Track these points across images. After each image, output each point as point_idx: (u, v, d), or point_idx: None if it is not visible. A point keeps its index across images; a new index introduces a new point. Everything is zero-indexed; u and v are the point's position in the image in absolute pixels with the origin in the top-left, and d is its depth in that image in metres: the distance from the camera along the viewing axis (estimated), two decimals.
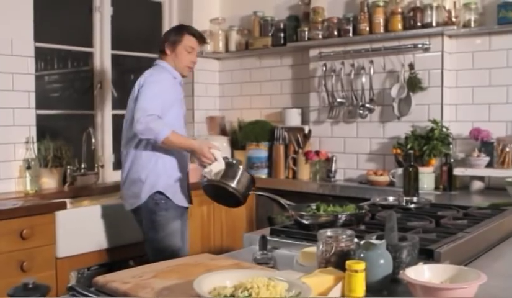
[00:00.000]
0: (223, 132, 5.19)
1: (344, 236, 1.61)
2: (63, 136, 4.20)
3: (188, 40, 3.36)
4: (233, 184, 2.85)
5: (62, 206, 3.45)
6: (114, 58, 4.74)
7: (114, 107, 4.74)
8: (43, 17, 4.17)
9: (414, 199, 2.74)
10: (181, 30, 3.43)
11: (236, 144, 4.96)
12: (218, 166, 2.97)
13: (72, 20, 4.57)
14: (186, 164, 3.40)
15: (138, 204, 3.24)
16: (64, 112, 4.51)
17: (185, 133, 3.39)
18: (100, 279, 1.59)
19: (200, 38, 3.45)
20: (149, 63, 5.09)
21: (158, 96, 3.13)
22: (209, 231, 4.30)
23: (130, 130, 3.22)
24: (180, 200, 3.30)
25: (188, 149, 3.19)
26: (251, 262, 1.80)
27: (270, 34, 4.81)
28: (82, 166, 4.25)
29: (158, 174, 3.20)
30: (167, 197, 3.21)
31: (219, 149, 3.13)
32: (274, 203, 3.81)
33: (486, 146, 3.83)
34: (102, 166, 4.44)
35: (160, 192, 3.21)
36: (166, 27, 5.20)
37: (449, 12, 3.92)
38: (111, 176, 4.62)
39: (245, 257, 1.88)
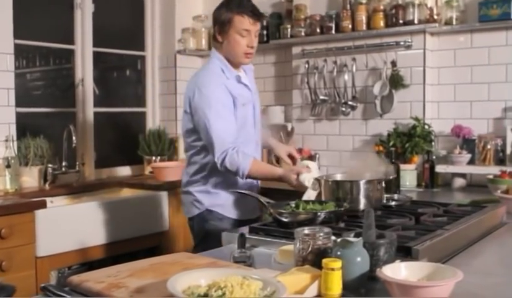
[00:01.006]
0: None
1: (321, 234, 1.60)
2: (44, 134, 4.15)
3: (242, 21, 2.73)
4: None
5: (43, 205, 3.42)
6: (96, 55, 4.71)
7: (96, 105, 4.70)
8: (23, 14, 4.13)
9: (395, 196, 2.74)
10: (229, 8, 2.76)
11: None
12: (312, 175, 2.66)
13: (53, 17, 4.53)
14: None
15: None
16: (45, 109, 4.47)
17: (254, 131, 2.92)
18: (75, 279, 1.57)
19: (254, 14, 2.75)
20: (131, 60, 5.13)
21: (221, 118, 2.70)
22: None
23: (185, 140, 2.94)
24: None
25: (274, 179, 2.75)
26: (230, 261, 1.78)
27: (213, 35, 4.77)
28: (63, 164, 4.21)
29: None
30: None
31: (309, 170, 2.67)
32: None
33: (468, 144, 3.84)
34: (83, 164, 4.40)
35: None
36: (148, 24, 5.19)
37: (431, 9, 3.93)
38: (92, 174, 4.59)
39: (224, 256, 1.87)
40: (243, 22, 2.71)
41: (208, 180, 2.85)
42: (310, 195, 2.53)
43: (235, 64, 2.84)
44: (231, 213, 2.85)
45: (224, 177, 2.80)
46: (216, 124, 2.68)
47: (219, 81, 2.76)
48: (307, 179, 2.58)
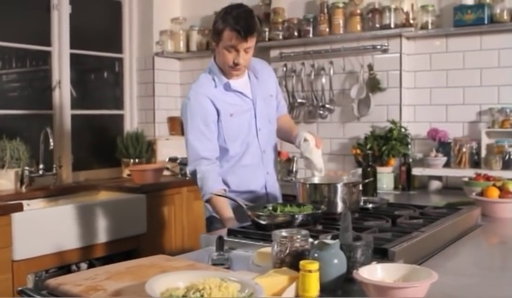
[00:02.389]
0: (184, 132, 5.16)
1: (298, 236, 1.61)
2: (21, 136, 4.11)
3: (228, 37, 2.59)
4: None
5: (19, 208, 3.38)
6: (73, 57, 4.68)
7: (73, 107, 4.68)
8: None
9: (372, 199, 2.77)
10: (224, 20, 2.60)
11: None
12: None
13: (30, 19, 4.49)
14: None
15: None
16: (22, 112, 4.43)
17: (257, 140, 2.81)
18: (52, 282, 1.56)
19: (243, 34, 2.57)
20: (108, 62, 5.11)
21: (197, 133, 2.69)
22: (169, 232, 4.27)
23: None
24: None
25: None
26: (208, 263, 1.79)
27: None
28: (40, 166, 4.17)
29: None
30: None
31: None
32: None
33: (444, 147, 3.90)
34: (61, 167, 4.37)
35: None
36: (126, 26, 5.17)
37: (407, 14, 3.97)
38: (69, 176, 4.56)
39: (202, 258, 1.87)
40: (231, 38, 2.58)
41: None
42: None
43: (228, 75, 2.76)
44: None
45: (226, 181, 2.78)
46: (192, 138, 2.69)
47: (202, 92, 2.71)
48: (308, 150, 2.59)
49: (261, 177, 2.84)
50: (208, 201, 2.67)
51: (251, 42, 2.62)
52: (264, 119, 2.83)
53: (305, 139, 2.62)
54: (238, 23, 2.56)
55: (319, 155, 2.60)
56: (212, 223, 2.85)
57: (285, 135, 2.98)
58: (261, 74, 2.87)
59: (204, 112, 2.69)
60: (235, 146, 2.76)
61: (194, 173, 2.70)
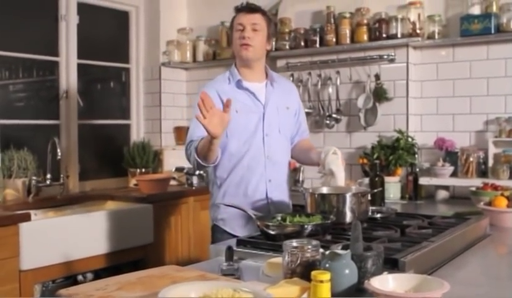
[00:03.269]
0: None
1: (309, 247, 1.61)
2: (28, 146, 4.12)
3: (236, 19, 2.83)
4: None
5: (27, 217, 3.39)
6: (80, 67, 4.70)
7: (80, 117, 4.69)
8: (7, 25, 4.12)
9: (380, 209, 2.77)
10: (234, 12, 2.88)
11: None
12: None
13: (38, 29, 4.51)
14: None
15: None
16: (29, 121, 4.45)
17: (262, 145, 2.81)
18: (63, 292, 1.56)
19: (245, 8, 2.83)
20: (115, 72, 5.13)
21: (193, 121, 2.71)
22: (176, 241, 4.27)
23: None
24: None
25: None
26: (218, 274, 1.79)
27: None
28: (47, 176, 4.18)
29: None
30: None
31: None
32: None
33: (451, 156, 3.89)
34: (68, 177, 4.38)
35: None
36: (133, 36, 5.19)
37: (414, 23, 3.98)
38: (76, 186, 4.57)
39: (211, 269, 1.87)
40: (237, 18, 2.81)
41: (213, 194, 2.91)
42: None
43: (250, 72, 2.85)
44: (232, 229, 2.81)
45: (226, 191, 2.81)
46: (191, 123, 2.79)
47: (212, 86, 2.82)
48: (334, 163, 2.57)
49: (262, 184, 2.82)
50: (200, 157, 2.63)
51: (256, 19, 2.80)
52: (273, 126, 2.85)
53: (334, 152, 2.62)
54: (242, 4, 2.86)
55: (343, 171, 2.60)
56: (214, 232, 2.90)
57: (304, 154, 2.96)
58: (280, 85, 2.94)
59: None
60: (237, 144, 2.78)
61: (188, 157, 2.75)
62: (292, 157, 3.06)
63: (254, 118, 2.81)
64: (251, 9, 2.82)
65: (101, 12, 4.96)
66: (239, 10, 2.83)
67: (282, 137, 2.91)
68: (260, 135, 2.82)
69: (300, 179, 4.37)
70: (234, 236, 2.66)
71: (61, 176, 4.29)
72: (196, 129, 2.69)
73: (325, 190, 2.55)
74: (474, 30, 3.77)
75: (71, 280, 3.53)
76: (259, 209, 2.63)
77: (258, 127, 2.81)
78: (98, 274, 3.69)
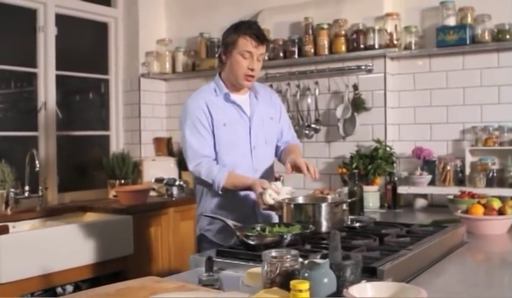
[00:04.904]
0: (170, 153, 5.17)
1: (288, 256, 1.62)
2: (6, 158, 4.08)
3: (245, 43, 2.72)
4: None
5: (5, 230, 3.36)
6: (59, 78, 4.68)
7: (59, 128, 4.66)
8: None
9: (360, 218, 2.79)
10: (237, 29, 2.76)
11: (184, 165, 4.90)
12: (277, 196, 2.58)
13: (16, 40, 4.50)
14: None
15: None
16: (7, 133, 4.41)
17: (250, 157, 2.84)
18: None
19: (257, 37, 2.72)
20: (94, 84, 5.11)
21: (196, 133, 2.76)
22: (156, 253, 4.25)
23: None
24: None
25: (245, 188, 2.71)
26: (198, 284, 1.79)
27: (217, 55, 4.79)
28: (26, 188, 4.14)
29: None
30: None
31: (277, 190, 2.59)
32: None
33: (428, 165, 3.93)
34: (46, 189, 4.35)
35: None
36: (112, 47, 5.19)
37: (391, 34, 4.03)
38: (55, 198, 4.54)
39: (191, 279, 1.87)
40: (246, 44, 2.71)
41: (200, 204, 2.91)
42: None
43: (236, 87, 2.84)
44: (218, 238, 2.82)
45: (211, 201, 2.82)
46: (191, 137, 2.76)
47: (200, 97, 2.81)
48: (272, 196, 2.54)
49: (251, 196, 2.81)
50: (224, 188, 2.70)
51: (263, 49, 2.78)
52: (260, 138, 2.87)
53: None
54: (253, 29, 2.74)
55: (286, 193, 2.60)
56: (201, 242, 2.89)
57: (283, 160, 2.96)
58: (262, 96, 2.95)
59: (202, 114, 2.78)
60: (227, 157, 2.78)
61: (197, 171, 2.74)
62: (278, 160, 3.07)
63: (241, 131, 2.83)
64: (262, 39, 2.75)
65: (79, 23, 4.95)
66: (248, 34, 2.72)
67: (269, 147, 2.94)
68: (247, 148, 2.83)
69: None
70: (222, 245, 2.67)
71: (40, 187, 4.26)
72: (204, 145, 2.75)
73: (301, 200, 2.57)
74: (450, 40, 3.82)
75: (50, 292, 3.50)
76: (247, 221, 2.60)
77: (246, 140, 2.83)
78: (78, 286, 3.67)
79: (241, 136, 2.82)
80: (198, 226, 2.92)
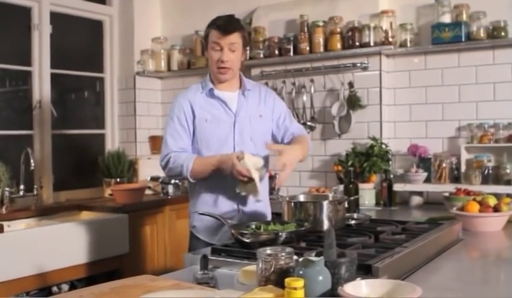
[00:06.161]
0: None
1: (283, 254, 1.61)
2: (1, 156, 4.07)
3: (212, 35, 2.75)
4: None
5: (0, 229, 3.35)
6: (53, 76, 4.67)
7: (54, 127, 4.65)
8: None
9: (355, 215, 2.78)
10: (209, 25, 2.79)
11: None
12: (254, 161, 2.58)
13: (10, 38, 4.48)
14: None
15: None
16: (2, 132, 4.40)
17: (225, 148, 2.77)
18: None
19: (221, 28, 2.72)
20: (89, 82, 5.10)
21: (173, 132, 2.79)
22: (152, 251, 4.25)
23: None
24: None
25: (214, 169, 2.68)
26: (193, 282, 1.79)
27: None
28: (21, 187, 4.13)
29: None
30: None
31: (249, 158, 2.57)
32: None
33: (424, 162, 3.94)
34: (41, 187, 4.34)
35: None
36: (107, 45, 5.17)
37: (386, 32, 4.03)
38: (50, 197, 4.53)
39: (186, 278, 1.86)
40: (214, 36, 2.74)
41: (191, 201, 2.92)
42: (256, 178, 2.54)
43: (222, 82, 2.83)
44: (206, 236, 2.82)
45: (199, 199, 2.82)
46: (167, 135, 2.82)
47: (184, 95, 2.85)
48: (250, 163, 2.53)
49: (233, 195, 2.76)
50: (193, 173, 2.71)
51: (234, 39, 2.74)
52: (244, 135, 2.83)
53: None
54: (219, 20, 2.76)
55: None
56: (191, 238, 2.92)
57: None
58: (254, 93, 2.92)
59: (181, 113, 2.81)
60: (208, 154, 2.77)
61: (166, 164, 2.78)
62: None
63: (225, 128, 2.80)
64: (229, 30, 2.73)
65: (74, 21, 4.94)
66: (213, 26, 2.75)
67: (255, 146, 2.85)
68: (230, 144, 2.80)
69: (276, 186, 4.38)
70: (208, 244, 2.69)
71: (35, 186, 4.25)
72: (178, 141, 2.77)
73: (301, 198, 2.57)
74: (445, 38, 3.82)
75: (46, 291, 3.49)
76: (230, 218, 2.59)
77: (229, 136, 2.80)
78: (74, 285, 3.66)
79: (224, 132, 2.80)
80: (188, 224, 2.95)
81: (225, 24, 2.73)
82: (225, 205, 2.79)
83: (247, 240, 2.10)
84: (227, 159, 2.60)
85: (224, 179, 2.70)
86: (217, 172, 2.66)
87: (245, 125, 2.84)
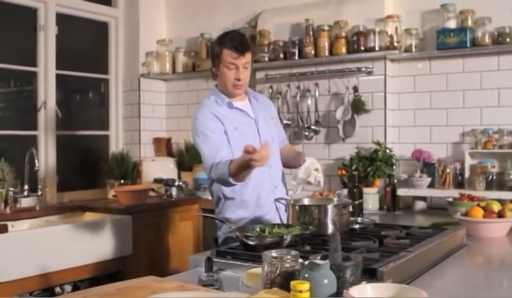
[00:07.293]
0: (170, 153, 5.16)
1: (288, 257, 1.62)
2: (5, 157, 4.08)
3: (226, 55, 2.82)
4: None
5: (3, 229, 3.35)
6: (59, 77, 4.68)
7: (58, 128, 4.66)
8: None
9: (359, 219, 2.79)
10: (220, 42, 2.86)
11: (183, 165, 4.94)
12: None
13: (16, 39, 4.49)
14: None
15: None
16: (7, 132, 4.41)
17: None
18: None
19: (238, 49, 2.80)
20: (94, 83, 5.11)
21: (208, 140, 2.81)
22: (155, 253, 4.25)
23: None
24: None
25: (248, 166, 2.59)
26: (197, 284, 1.79)
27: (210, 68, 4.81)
28: (25, 187, 4.14)
29: None
30: None
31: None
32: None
33: (428, 167, 3.93)
34: (46, 188, 4.34)
35: None
36: (112, 47, 5.19)
37: (391, 37, 4.03)
38: (54, 197, 4.53)
39: (191, 279, 1.87)
40: (229, 57, 2.81)
41: (222, 210, 2.96)
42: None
43: (233, 95, 2.92)
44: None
45: (240, 204, 2.89)
46: (204, 147, 2.82)
47: (207, 110, 2.89)
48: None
49: (270, 191, 2.92)
50: (234, 177, 2.65)
51: (248, 57, 2.85)
52: (268, 136, 2.92)
53: (316, 169, 2.80)
54: (234, 41, 2.82)
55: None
56: (228, 244, 2.77)
57: (293, 161, 3.04)
58: (259, 99, 3.08)
59: (212, 124, 2.85)
60: None
61: (211, 177, 2.81)
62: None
63: (251, 132, 2.92)
64: (244, 51, 2.82)
65: (80, 22, 4.95)
66: (228, 46, 2.80)
67: (276, 145, 3.04)
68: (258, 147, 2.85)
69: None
70: None
71: (39, 187, 4.25)
72: (221, 152, 2.76)
73: (306, 201, 2.58)
74: (450, 43, 3.82)
75: (49, 292, 3.49)
76: (271, 218, 2.84)
77: (256, 140, 2.87)
78: (77, 286, 3.67)
79: (251, 138, 2.87)
80: (219, 231, 2.97)
81: (241, 45, 2.81)
82: (267, 205, 2.91)
83: (252, 243, 2.11)
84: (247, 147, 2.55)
85: (263, 180, 2.87)
86: (249, 164, 2.56)
87: (265, 127, 2.98)
